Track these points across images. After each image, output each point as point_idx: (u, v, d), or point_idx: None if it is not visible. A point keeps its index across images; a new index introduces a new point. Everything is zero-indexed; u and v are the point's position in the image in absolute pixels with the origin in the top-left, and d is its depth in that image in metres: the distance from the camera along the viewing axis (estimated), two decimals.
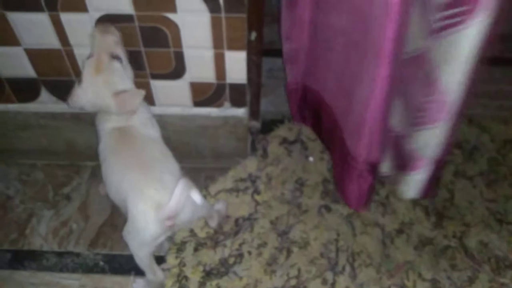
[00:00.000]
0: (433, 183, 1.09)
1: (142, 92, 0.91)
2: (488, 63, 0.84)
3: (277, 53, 1.29)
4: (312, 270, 1.03)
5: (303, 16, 1.07)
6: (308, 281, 1.01)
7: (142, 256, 0.94)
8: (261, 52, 1.10)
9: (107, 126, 0.96)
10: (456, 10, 0.77)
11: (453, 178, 1.19)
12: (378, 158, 1.03)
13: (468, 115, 1.32)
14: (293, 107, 1.29)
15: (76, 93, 0.93)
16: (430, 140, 0.96)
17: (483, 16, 0.75)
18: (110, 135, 0.95)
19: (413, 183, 1.07)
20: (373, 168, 1.04)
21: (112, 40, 0.92)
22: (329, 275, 1.02)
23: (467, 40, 0.79)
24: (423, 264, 1.04)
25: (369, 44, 0.86)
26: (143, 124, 0.97)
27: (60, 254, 1.08)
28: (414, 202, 1.14)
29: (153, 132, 0.99)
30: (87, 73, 0.91)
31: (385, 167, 1.14)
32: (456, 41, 0.80)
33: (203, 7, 0.91)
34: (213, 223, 1.08)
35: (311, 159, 1.24)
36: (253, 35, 1.05)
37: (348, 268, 1.03)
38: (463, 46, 0.80)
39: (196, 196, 0.86)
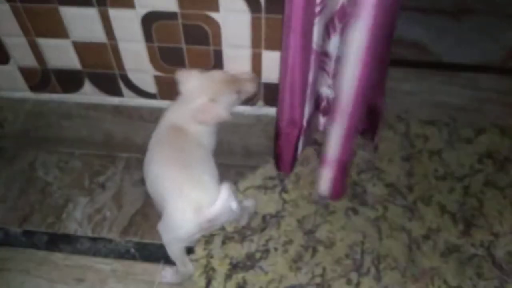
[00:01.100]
0: (339, 184, 1.11)
1: (224, 117, 0.98)
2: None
3: None
4: (337, 269, 1.04)
5: None
6: (332, 280, 1.03)
7: (175, 249, 0.98)
8: None
9: (168, 118, 1.00)
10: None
11: (483, 187, 1.18)
12: (299, 118, 1.06)
13: (500, 125, 1.31)
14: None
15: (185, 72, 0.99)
16: (331, 138, 1.00)
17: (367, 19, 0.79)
18: (166, 127, 0.99)
19: (323, 180, 1.10)
20: (296, 126, 1.08)
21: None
22: (353, 276, 1.03)
23: (355, 40, 0.82)
24: (449, 271, 1.04)
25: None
26: (201, 132, 1.01)
27: (93, 239, 1.12)
28: (442, 209, 1.14)
29: (207, 142, 1.03)
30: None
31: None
32: (346, 42, 0.84)
33: (245, 7, 0.94)
34: (243, 222, 1.11)
35: None
36: None
37: (373, 270, 1.04)
38: (351, 47, 0.83)
39: (234, 204, 0.89)
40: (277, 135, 1.11)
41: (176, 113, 1.01)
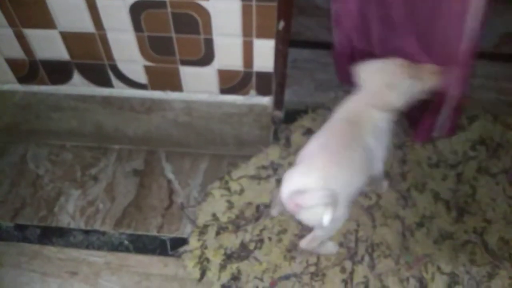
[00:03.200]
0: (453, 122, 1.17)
1: (396, 104, 0.97)
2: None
3: (303, 44, 1.30)
4: (331, 258, 1.05)
5: None
6: (327, 269, 1.03)
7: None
8: (288, 42, 1.11)
9: (343, 110, 1.00)
10: None
11: (476, 174, 1.19)
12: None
13: (492, 112, 1.31)
14: (341, 71, 1.31)
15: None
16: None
17: None
18: (342, 116, 0.99)
19: (440, 119, 1.15)
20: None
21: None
22: (347, 264, 1.04)
23: None
24: (442, 258, 1.05)
25: None
26: (375, 132, 0.97)
27: (86, 232, 1.12)
28: (436, 196, 1.14)
29: (376, 145, 0.98)
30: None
31: None
32: None
33: None
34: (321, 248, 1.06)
35: None
36: (281, 24, 1.06)
37: (367, 258, 1.05)
38: None
39: (326, 217, 0.85)
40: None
41: (352, 104, 1.00)
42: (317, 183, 0.87)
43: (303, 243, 1.02)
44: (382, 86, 0.96)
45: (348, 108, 1.00)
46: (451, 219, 1.11)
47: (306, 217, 0.91)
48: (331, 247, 1.06)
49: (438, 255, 1.05)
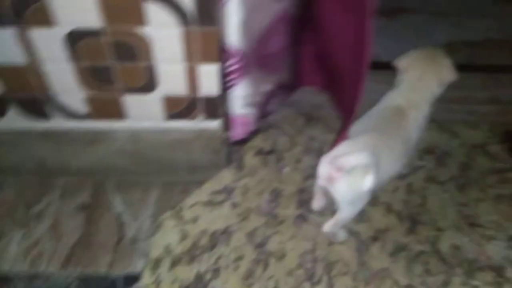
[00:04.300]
0: None
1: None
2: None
3: None
4: (290, 281, 1.03)
5: None
6: None
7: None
8: None
9: (393, 100, 1.08)
10: None
11: (425, 183, 1.21)
12: None
13: (437, 120, 1.35)
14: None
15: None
16: None
17: None
18: (386, 106, 1.07)
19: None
20: None
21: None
22: (306, 286, 1.02)
23: None
24: (398, 271, 1.06)
25: None
26: (416, 122, 1.05)
27: (30, 278, 1.04)
28: (388, 209, 1.16)
29: (415, 135, 1.06)
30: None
31: None
32: None
33: (175, 20, 0.91)
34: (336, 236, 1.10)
35: (286, 169, 1.24)
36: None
37: (325, 278, 1.04)
38: None
39: (368, 180, 0.88)
40: None
41: (397, 95, 1.07)
42: (361, 148, 0.91)
43: (327, 227, 1.06)
44: (424, 73, 1.06)
45: (394, 97, 1.08)
46: (405, 230, 1.13)
47: (346, 183, 0.92)
48: (342, 235, 1.09)
49: (394, 268, 1.06)
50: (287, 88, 1.34)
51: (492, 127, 1.35)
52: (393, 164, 1.02)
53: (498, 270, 1.06)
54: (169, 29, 0.92)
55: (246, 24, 1.01)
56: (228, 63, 1.05)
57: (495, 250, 1.10)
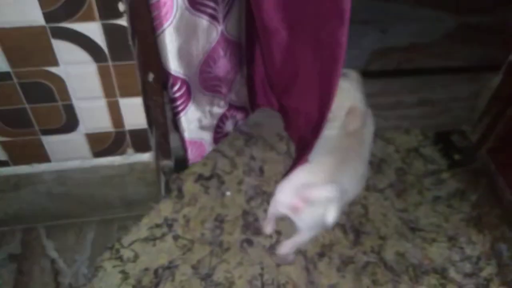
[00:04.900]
0: None
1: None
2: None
3: None
4: None
5: None
6: None
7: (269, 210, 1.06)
8: (162, 91, 1.07)
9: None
10: None
11: (366, 192, 1.23)
12: None
13: None
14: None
15: None
16: None
17: None
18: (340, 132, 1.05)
19: None
20: None
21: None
22: None
23: None
24: (347, 285, 1.06)
25: None
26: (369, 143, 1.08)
27: None
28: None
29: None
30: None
31: None
32: None
33: (87, 57, 0.86)
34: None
35: (228, 193, 1.21)
36: (151, 76, 1.01)
37: None
38: None
39: (331, 215, 0.86)
40: None
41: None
42: (326, 179, 0.88)
43: (284, 249, 1.04)
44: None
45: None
46: (350, 242, 1.13)
47: (311, 214, 0.89)
48: (292, 257, 1.08)
49: (343, 283, 1.06)
50: (242, 109, 1.32)
51: (423, 130, 1.40)
52: (357, 184, 1.03)
53: (441, 272, 1.09)
54: (83, 67, 0.87)
55: (186, 51, 0.99)
56: (174, 89, 1.03)
57: (437, 252, 1.12)
